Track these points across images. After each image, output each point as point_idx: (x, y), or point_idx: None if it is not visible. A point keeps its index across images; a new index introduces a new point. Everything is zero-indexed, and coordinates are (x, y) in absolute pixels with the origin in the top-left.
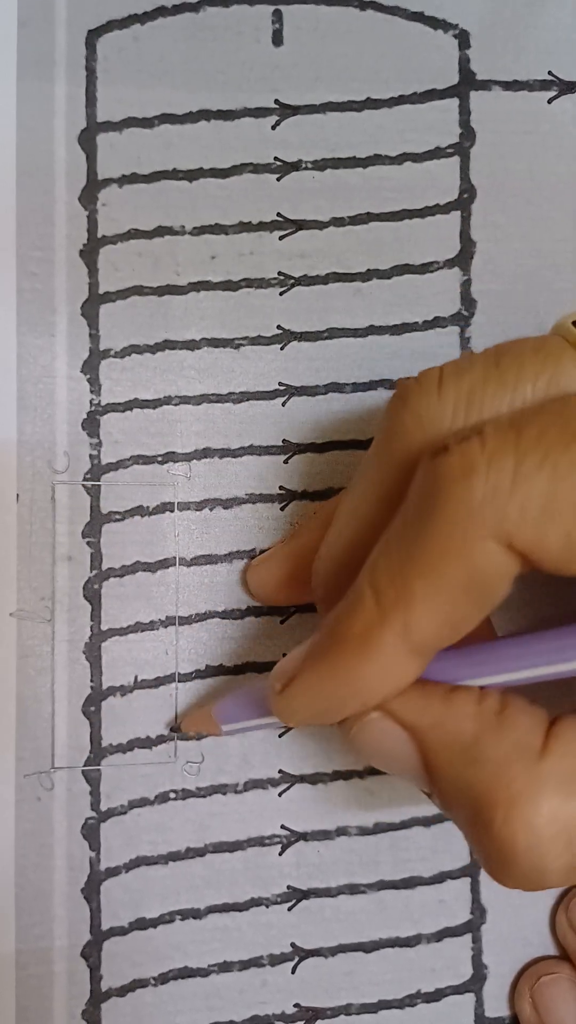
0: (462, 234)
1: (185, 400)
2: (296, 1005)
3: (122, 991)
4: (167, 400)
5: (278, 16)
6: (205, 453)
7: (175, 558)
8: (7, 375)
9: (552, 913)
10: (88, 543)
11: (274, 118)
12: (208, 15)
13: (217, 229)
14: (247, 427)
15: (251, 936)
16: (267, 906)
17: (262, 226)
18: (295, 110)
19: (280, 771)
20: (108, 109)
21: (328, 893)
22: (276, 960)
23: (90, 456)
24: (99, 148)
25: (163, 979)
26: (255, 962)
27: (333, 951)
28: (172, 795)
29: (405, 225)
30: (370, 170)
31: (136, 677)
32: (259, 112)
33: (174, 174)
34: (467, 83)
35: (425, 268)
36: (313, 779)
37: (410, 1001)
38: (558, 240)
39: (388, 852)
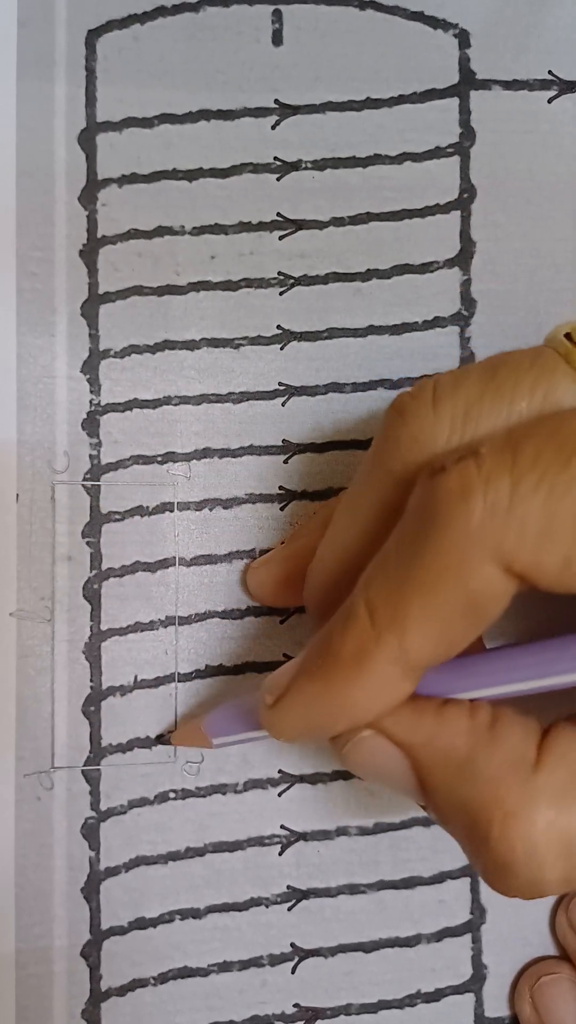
0: (462, 234)
1: (185, 400)
2: (296, 1005)
3: (122, 991)
4: (167, 400)
5: (278, 16)
6: (205, 453)
7: (175, 558)
8: (7, 375)
9: (552, 913)
10: (88, 543)
11: (274, 118)
12: (208, 15)
13: (217, 229)
14: (247, 427)
15: (251, 936)
16: (267, 906)
17: (262, 226)
18: (295, 110)
19: (280, 771)
20: (108, 109)
21: (328, 893)
22: (276, 960)
23: (90, 456)
24: (99, 148)
25: (163, 979)
26: (255, 962)
27: (333, 951)
28: (172, 795)
29: (405, 225)
30: (370, 170)
31: (136, 677)
32: (259, 112)
33: (174, 174)
34: (467, 83)
35: (425, 268)
36: (313, 779)
37: (410, 1001)
38: (558, 240)
39: (388, 852)
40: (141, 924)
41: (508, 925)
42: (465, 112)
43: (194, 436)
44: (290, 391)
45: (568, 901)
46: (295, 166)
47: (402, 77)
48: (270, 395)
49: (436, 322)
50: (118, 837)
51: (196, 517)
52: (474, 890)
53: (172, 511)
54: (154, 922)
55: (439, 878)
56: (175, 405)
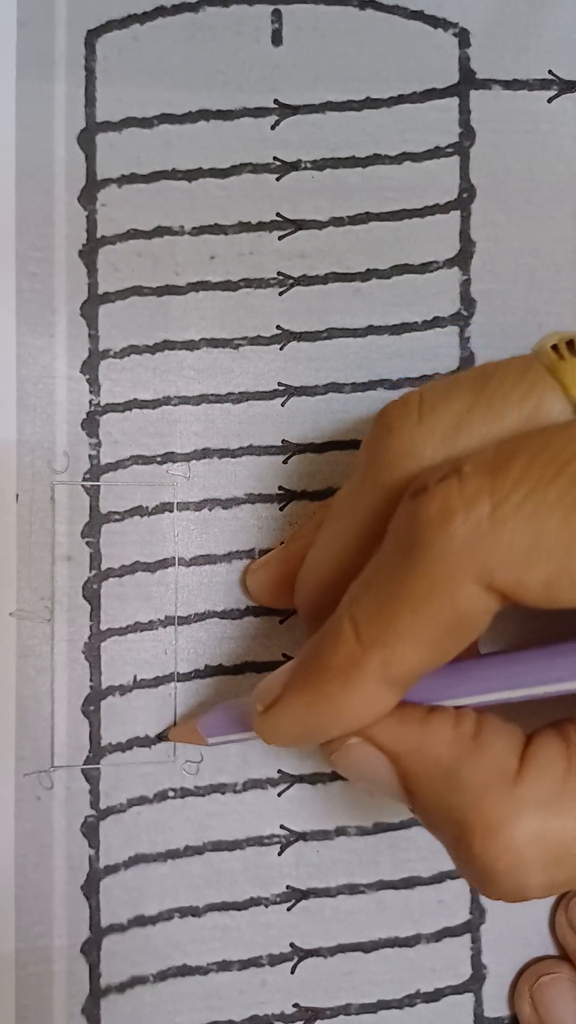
0: (462, 234)
1: (184, 400)
2: (295, 1005)
3: (121, 989)
4: (166, 400)
5: (277, 16)
6: (204, 453)
7: (174, 558)
8: (7, 375)
9: (552, 913)
10: (87, 543)
11: (273, 118)
12: (207, 15)
13: (216, 229)
14: (246, 427)
15: (250, 936)
16: (266, 906)
17: (261, 226)
18: (294, 110)
19: (279, 771)
20: (107, 109)
21: (327, 893)
22: (275, 960)
23: (89, 456)
24: (98, 148)
25: (162, 977)
26: (254, 962)
27: (332, 951)
28: (171, 794)
29: (405, 225)
30: (370, 170)
31: (135, 677)
32: (258, 112)
33: (173, 174)
34: (467, 82)
35: (425, 268)
36: (312, 779)
37: (409, 1001)
38: (558, 240)
39: (387, 852)
40: (141, 922)
41: (507, 925)
42: (465, 112)
43: (194, 436)
44: (290, 391)
45: (568, 901)
46: (295, 166)
47: (402, 77)
48: (270, 395)
49: (436, 322)
50: (118, 835)
51: (196, 517)
52: (473, 890)
53: (172, 511)
54: (153, 920)
55: (438, 878)
56: (175, 405)
